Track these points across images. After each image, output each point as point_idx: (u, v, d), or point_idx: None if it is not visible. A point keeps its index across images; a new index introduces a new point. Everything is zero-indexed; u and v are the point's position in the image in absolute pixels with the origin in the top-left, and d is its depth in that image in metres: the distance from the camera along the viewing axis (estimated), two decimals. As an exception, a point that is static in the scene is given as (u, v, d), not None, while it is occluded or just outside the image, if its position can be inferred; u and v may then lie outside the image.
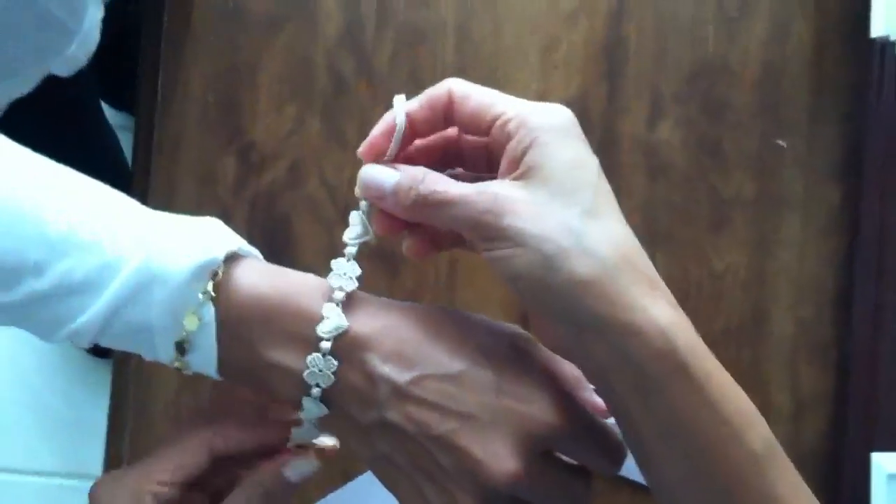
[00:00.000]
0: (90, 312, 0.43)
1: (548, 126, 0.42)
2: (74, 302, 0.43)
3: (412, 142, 0.47)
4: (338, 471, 0.74)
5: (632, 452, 0.43)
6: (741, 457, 0.41)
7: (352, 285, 0.45)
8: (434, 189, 0.43)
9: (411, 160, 0.47)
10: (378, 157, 0.46)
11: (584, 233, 0.40)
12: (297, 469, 0.47)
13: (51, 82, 0.79)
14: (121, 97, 1.50)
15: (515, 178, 0.42)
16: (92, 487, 0.47)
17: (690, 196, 0.78)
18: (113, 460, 0.78)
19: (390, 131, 0.46)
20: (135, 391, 0.75)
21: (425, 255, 0.48)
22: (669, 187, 0.78)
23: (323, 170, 0.76)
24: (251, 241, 0.75)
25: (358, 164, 0.75)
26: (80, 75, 0.82)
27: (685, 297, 0.77)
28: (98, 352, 1.48)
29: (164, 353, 0.44)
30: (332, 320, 0.44)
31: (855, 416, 0.73)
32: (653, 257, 0.76)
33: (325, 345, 0.43)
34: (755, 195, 0.78)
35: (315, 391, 0.44)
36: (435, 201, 0.43)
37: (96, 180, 0.46)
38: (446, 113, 0.45)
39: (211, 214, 0.75)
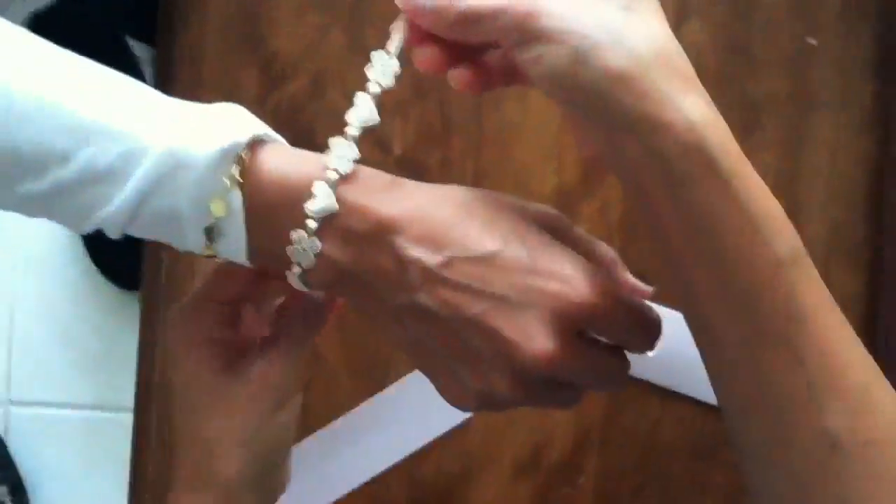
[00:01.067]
0: (117, 201, 0.43)
1: None
2: (100, 190, 0.43)
3: None
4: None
5: (661, 257, 0.43)
6: (764, 260, 0.40)
7: (348, 167, 0.44)
8: (470, 3, 0.42)
9: None
10: None
11: (619, 28, 0.40)
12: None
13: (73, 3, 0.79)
14: (145, 30, 1.49)
15: None
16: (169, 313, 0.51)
17: (720, 98, 0.75)
18: (143, 391, 0.78)
19: None
20: (163, 323, 0.76)
21: (471, 88, 0.47)
22: (698, 90, 0.76)
23: (346, 81, 0.76)
24: (276, 153, 0.75)
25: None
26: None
27: (715, 201, 0.76)
28: (127, 284, 1.49)
29: (193, 242, 0.44)
30: (320, 200, 0.43)
31: (887, 314, 0.72)
32: (682, 161, 0.75)
33: (311, 223, 0.43)
34: (786, 96, 0.76)
35: (296, 269, 0.44)
36: (476, 15, 0.42)
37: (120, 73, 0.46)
38: None
39: (235, 127, 0.75)
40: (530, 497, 0.75)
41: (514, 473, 0.75)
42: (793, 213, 0.75)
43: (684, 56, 0.42)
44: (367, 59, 0.76)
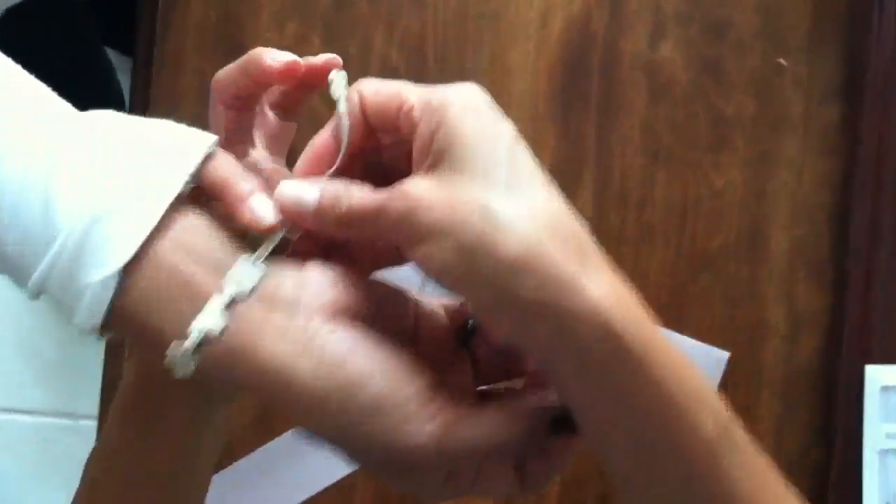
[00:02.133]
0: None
1: (451, 103, 0.38)
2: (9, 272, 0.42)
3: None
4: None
5: (590, 446, 0.40)
6: (692, 440, 0.38)
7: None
8: (350, 204, 0.39)
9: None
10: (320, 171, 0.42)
11: (500, 211, 0.37)
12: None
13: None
14: (120, 38, 1.49)
15: (428, 169, 0.38)
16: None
17: (691, 115, 0.78)
18: (109, 394, 0.78)
19: (327, 146, 0.42)
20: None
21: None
22: (670, 106, 0.78)
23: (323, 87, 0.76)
24: (253, 158, 0.75)
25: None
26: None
27: (684, 215, 0.77)
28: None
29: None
30: (210, 319, 0.39)
31: (850, 329, 0.74)
32: (653, 175, 0.77)
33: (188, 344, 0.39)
34: (755, 115, 0.78)
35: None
36: (355, 217, 0.40)
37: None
38: (366, 118, 0.41)
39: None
40: (495, 501, 0.76)
41: None
42: (759, 230, 0.78)
43: (574, 220, 0.39)
44: (346, 63, 0.77)
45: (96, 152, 0.41)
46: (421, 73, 0.77)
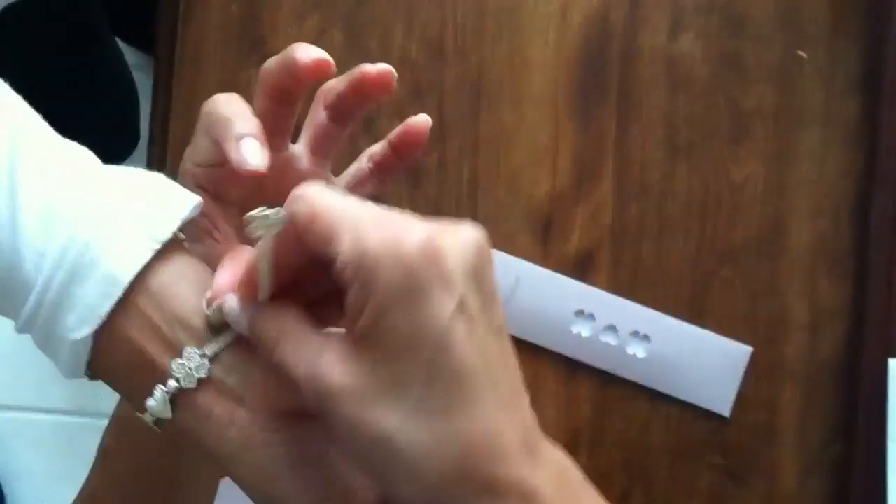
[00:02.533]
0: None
1: (385, 284, 0.34)
2: None
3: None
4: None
5: None
6: None
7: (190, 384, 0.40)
8: (274, 351, 0.38)
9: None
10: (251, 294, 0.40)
11: (404, 446, 0.34)
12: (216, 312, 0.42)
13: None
14: (135, 34, 1.49)
15: (354, 341, 0.35)
16: None
17: (711, 108, 0.78)
18: None
19: (252, 275, 0.39)
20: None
21: None
22: (690, 99, 0.78)
23: (344, 81, 0.77)
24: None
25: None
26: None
27: (705, 208, 0.77)
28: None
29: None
30: (157, 405, 0.40)
31: (873, 322, 0.74)
32: (673, 168, 0.77)
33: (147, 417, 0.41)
34: (775, 107, 0.78)
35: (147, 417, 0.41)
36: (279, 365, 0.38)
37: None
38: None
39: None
40: None
41: None
42: (780, 223, 0.77)
43: (501, 433, 0.34)
44: (365, 59, 0.77)
45: (77, 192, 0.41)
46: (440, 68, 0.77)
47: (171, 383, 0.39)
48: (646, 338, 0.77)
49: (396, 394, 0.34)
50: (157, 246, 0.40)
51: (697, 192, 0.77)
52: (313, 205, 0.36)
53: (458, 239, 0.35)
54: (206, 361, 0.40)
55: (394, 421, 0.34)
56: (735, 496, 0.77)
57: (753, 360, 0.77)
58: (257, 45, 0.77)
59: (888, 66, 0.76)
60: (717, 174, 0.77)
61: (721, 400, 0.77)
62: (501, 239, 0.77)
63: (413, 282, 0.33)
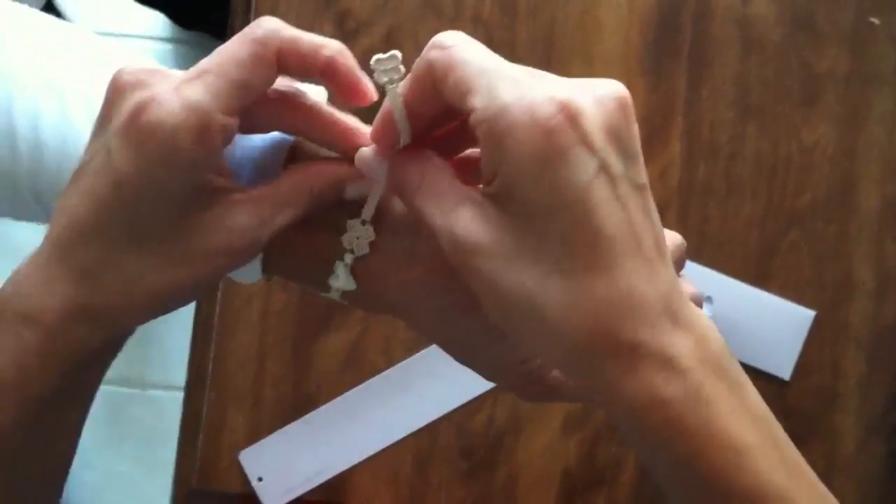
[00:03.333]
0: None
1: (521, 147, 0.33)
2: None
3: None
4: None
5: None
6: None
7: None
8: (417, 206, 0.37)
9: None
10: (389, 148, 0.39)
11: (542, 304, 0.33)
12: (355, 189, 0.42)
13: None
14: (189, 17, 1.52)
15: (490, 195, 0.35)
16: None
17: (783, 70, 0.78)
18: (194, 374, 0.78)
19: (388, 122, 0.38)
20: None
21: None
22: (762, 61, 0.78)
23: (418, 37, 0.77)
24: (344, 108, 0.76)
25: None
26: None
27: (774, 170, 0.77)
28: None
29: None
30: (341, 280, 0.42)
31: (942, 287, 0.74)
32: (744, 130, 0.77)
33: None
34: (847, 71, 0.78)
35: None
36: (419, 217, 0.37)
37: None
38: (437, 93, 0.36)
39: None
40: (577, 452, 0.77)
41: (563, 427, 0.77)
42: (849, 186, 0.77)
43: (642, 296, 0.33)
44: (439, 16, 0.78)
45: None
46: (512, 26, 0.78)
47: (347, 256, 0.41)
48: (709, 299, 0.77)
49: (535, 255, 0.33)
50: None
51: (767, 154, 0.77)
52: (451, 54, 0.35)
53: (598, 96, 0.33)
54: (369, 227, 0.41)
55: (531, 280, 0.33)
56: (795, 458, 0.77)
57: (817, 324, 0.77)
58: (333, 1, 0.77)
59: (963, 32, 0.75)
60: (787, 137, 0.78)
61: (783, 364, 0.77)
62: None
63: (550, 145, 0.32)
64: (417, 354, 0.76)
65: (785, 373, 0.77)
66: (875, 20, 0.78)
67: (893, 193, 0.77)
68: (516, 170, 0.33)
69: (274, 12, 0.76)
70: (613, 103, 0.34)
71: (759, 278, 0.77)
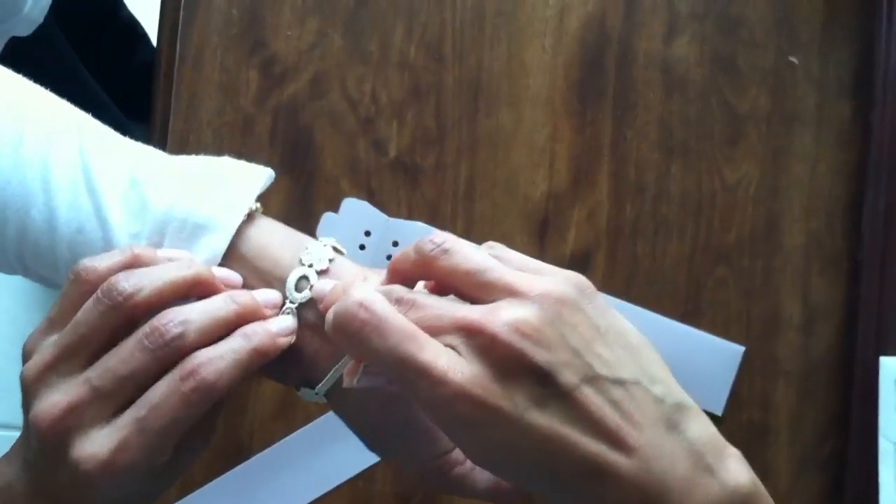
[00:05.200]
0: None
1: (452, 424, 0.39)
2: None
3: None
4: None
5: None
6: None
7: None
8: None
9: None
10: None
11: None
12: (281, 324, 0.46)
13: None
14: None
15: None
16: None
17: (705, 111, 0.79)
18: None
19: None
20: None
21: None
22: (685, 102, 0.79)
23: (345, 82, 0.78)
24: (273, 152, 0.76)
25: (379, 79, 0.77)
26: (46, 35, 0.86)
27: (699, 208, 0.78)
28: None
29: None
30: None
31: (865, 321, 0.75)
32: (668, 170, 0.78)
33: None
34: (769, 110, 0.79)
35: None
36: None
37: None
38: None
39: (233, 125, 0.77)
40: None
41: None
42: (773, 223, 0.78)
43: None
44: (365, 62, 0.78)
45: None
46: (439, 70, 0.78)
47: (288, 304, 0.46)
48: (641, 337, 0.78)
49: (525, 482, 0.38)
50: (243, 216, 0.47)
51: (692, 193, 0.78)
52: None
53: (501, 345, 0.37)
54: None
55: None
56: (729, 494, 0.77)
57: (747, 359, 0.78)
58: (258, 47, 0.78)
59: (878, 70, 0.77)
60: (711, 175, 0.79)
61: (714, 399, 0.78)
62: (498, 240, 0.76)
63: (474, 415, 0.36)
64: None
65: (717, 408, 0.78)
66: (794, 60, 0.79)
67: (817, 229, 0.79)
68: (465, 440, 0.38)
69: (199, 61, 0.76)
70: (518, 332, 0.38)
71: (689, 315, 0.78)
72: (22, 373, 0.43)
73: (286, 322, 0.45)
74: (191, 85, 0.77)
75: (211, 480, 0.75)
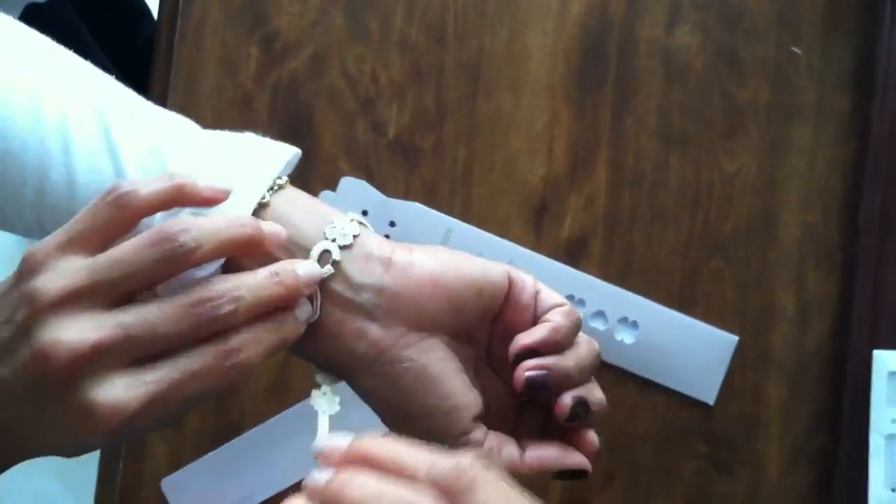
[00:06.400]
0: None
1: None
2: None
3: None
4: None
5: None
6: None
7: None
8: None
9: None
10: None
11: None
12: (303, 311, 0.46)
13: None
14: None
15: None
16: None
17: (705, 101, 0.79)
18: None
19: None
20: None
21: None
22: (685, 91, 0.79)
23: (345, 61, 0.77)
24: (272, 129, 0.76)
25: (378, 58, 0.77)
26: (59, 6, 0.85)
27: (696, 200, 0.78)
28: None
29: None
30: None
31: (859, 314, 0.75)
32: (666, 159, 0.78)
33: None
34: (768, 102, 0.79)
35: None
36: None
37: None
38: None
39: (233, 101, 0.76)
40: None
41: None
42: (770, 215, 0.78)
43: None
44: (366, 41, 0.78)
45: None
46: (440, 52, 0.78)
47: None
48: (634, 325, 0.78)
49: None
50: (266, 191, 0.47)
51: (689, 182, 0.78)
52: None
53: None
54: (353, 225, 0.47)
55: None
56: (719, 484, 0.78)
57: (740, 350, 0.78)
58: (259, 23, 0.77)
59: (879, 64, 0.77)
60: (709, 166, 0.79)
61: (707, 389, 0.78)
62: (495, 223, 0.78)
63: None
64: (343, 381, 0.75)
65: (709, 398, 0.78)
66: (797, 50, 0.79)
67: (814, 222, 0.79)
68: None
69: (199, 37, 0.76)
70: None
71: (684, 304, 0.78)
72: (34, 282, 0.41)
73: (310, 307, 0.46)
74: (190, 62, 0.77)
75: (201, 456, 0.75)
